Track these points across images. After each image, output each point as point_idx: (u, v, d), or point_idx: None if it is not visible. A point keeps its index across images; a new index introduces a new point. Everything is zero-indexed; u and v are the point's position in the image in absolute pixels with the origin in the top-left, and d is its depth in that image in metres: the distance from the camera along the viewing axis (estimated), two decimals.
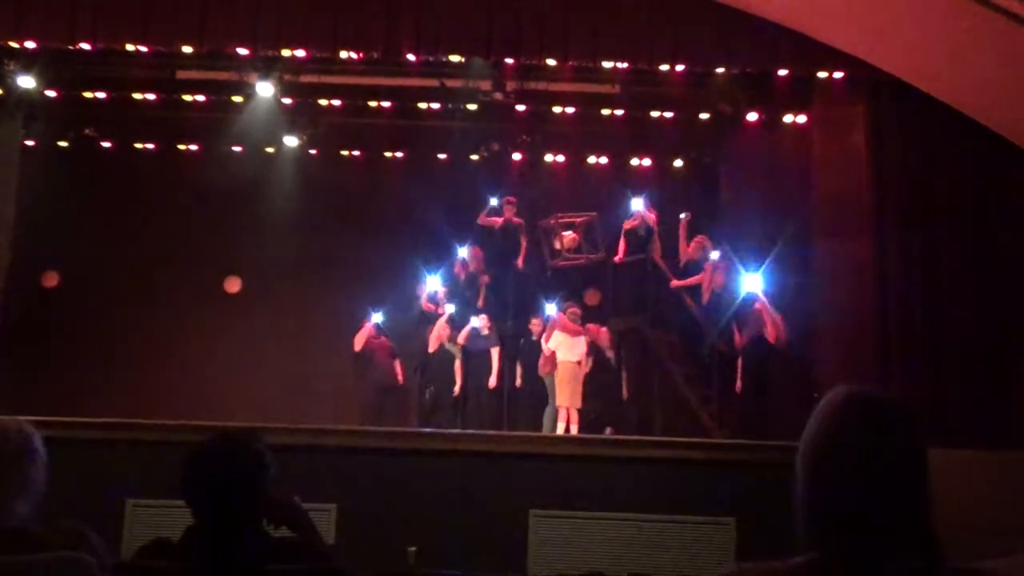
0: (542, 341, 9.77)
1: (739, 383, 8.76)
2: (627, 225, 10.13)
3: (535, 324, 10.11)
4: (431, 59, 9.62)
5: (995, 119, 8.95)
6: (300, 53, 9.58)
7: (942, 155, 9.26)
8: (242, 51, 9.52)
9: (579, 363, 9.70)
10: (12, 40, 9.40)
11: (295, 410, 10.37)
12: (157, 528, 4.76)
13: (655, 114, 11.46)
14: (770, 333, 8.66)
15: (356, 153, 12.71)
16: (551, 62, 9.41)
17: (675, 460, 5.82)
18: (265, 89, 10.67)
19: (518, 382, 10.06)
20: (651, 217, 10.12)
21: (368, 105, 11.49)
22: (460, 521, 5.19)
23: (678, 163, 12.64)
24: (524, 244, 10.83)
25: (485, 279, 10.66)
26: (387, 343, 10.63)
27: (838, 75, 9.48)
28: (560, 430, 9.29)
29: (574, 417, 9.49)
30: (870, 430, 1.62)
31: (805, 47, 9.11)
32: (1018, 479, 6.10)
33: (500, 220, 10.87)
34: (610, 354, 10.24)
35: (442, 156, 12.53)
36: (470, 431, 8.68)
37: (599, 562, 4.86)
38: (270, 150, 12.21)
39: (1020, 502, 5.63)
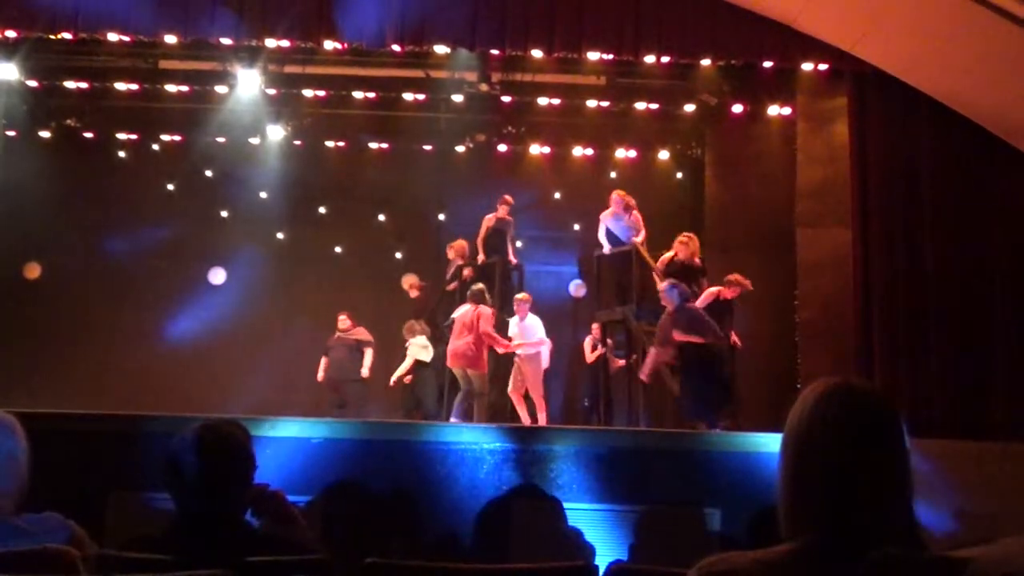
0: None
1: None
2: (607, 219, 10.07)
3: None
4: (416, 50, 9.58)
5: (978, 111, 9.00)
6: (284, 43, 9.53)
7: (925, 147, 9.31)
8: (225, 41, 9.47)
9: (538, 353, 9.63)
10: None
11: (280, 401, 10.36)
12: (140, 520, 4.75)
13: (640, 105, 11.46)
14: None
15: (341, 144, 12.65)
16: (536, 53, 9.39)
17: (660, 450, 5.84)
18: (249, 79, 10.62)
19: None
20: (636, 217, 10.08)
21: (353, 96, 11.44)
22: (444, 511, 5.19)
23: (663, 154, 12.65)
24: (510, 241, 10.83)
25: (468, 272, 10.66)
26: (349, 338, 10.68)
27: (822, 67, 9.51)
28: (526, 420, 9.31)
29: (540, 405, 9.52)
30: (851, 420, 1.63)
31: (790, 39, 9.13)
32: (996, 469, 6.15)
33: (493, 218, 10.80)
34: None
35: (427, 147, 12.51)
36: (453, 422, 8.69)
37: (582, 552, 4.87)
38: (254, 141, 12.14)
39: (997, 491, 5.68)
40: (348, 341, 10.67)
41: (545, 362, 9.80)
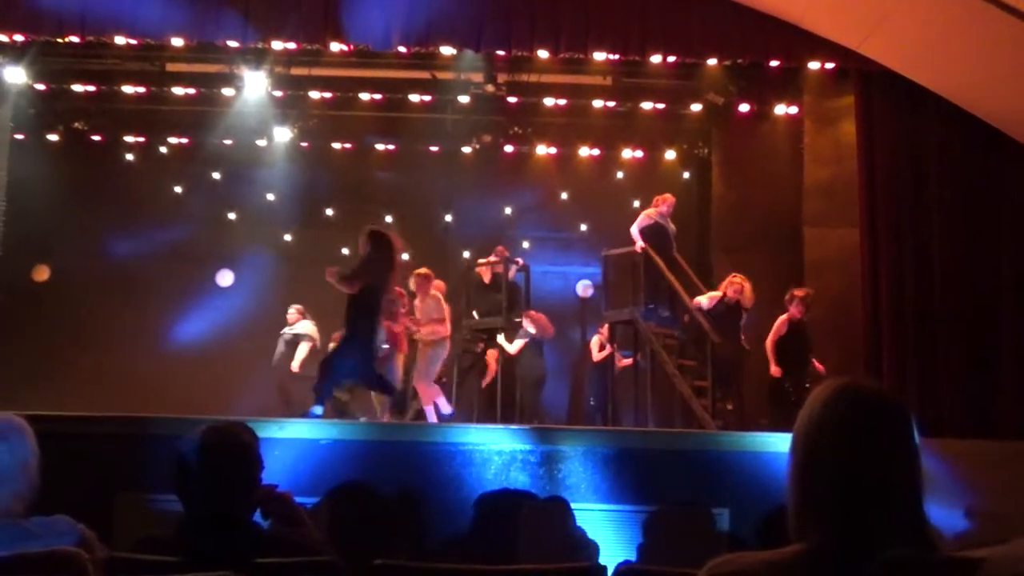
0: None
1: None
2: (654, 216, 9.87)
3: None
4: (422, 51, 9.58)
5: (986, 108, 8.97)
6: (290, 45, 9.55)
7: (932, 145, 9.28)
8: (232, 43, 9.49)
9: (444, 340, 8.84)
10: None
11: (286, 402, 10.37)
12: (148, 522, 4.75)
13: (646, 105, 11.45)
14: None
15: (347, 145, 12.67)
16: (542, 54, 9.38)
17: (669, 451, 5.82)
18: (255, 81, 10.64)
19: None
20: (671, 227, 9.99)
21: (359, 97, 11.45)
22: (451, 512, 5.19)
23: (670, 154, 12.63)
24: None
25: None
26: (288, 332, 10.62)
27: (829, 66, 9.50)
28: (431, 416, 8.69)
29: (424, 397, 8.70)
30: (860, 420, 1.62)
31: (796, 38, 9.11)
32: (1008, 468, 6.12)
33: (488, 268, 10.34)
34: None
35: (434, 148, 12.51)
36: (462, 424, 8.68)
37: (586, 549, 4.86)
38: (261, 143, 12.16)
39: (1010, 491, 5.65)
40: (287, 335, 10.65)
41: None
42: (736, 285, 9.09)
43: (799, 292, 8.85)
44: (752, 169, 10.91)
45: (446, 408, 8.77)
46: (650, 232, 9.76)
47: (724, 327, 8.90)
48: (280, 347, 10.68)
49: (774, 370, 8.72)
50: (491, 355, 10.36)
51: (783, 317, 8.83)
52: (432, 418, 8.61)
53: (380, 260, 7.55)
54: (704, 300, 9.14)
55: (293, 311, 10.77)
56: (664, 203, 9.89)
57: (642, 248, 9.60)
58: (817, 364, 8.83)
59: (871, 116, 9.42)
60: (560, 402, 11.82)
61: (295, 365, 10.45)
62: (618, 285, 10.34)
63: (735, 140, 11.18)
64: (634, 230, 9.76)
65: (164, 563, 2.48)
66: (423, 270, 9.03)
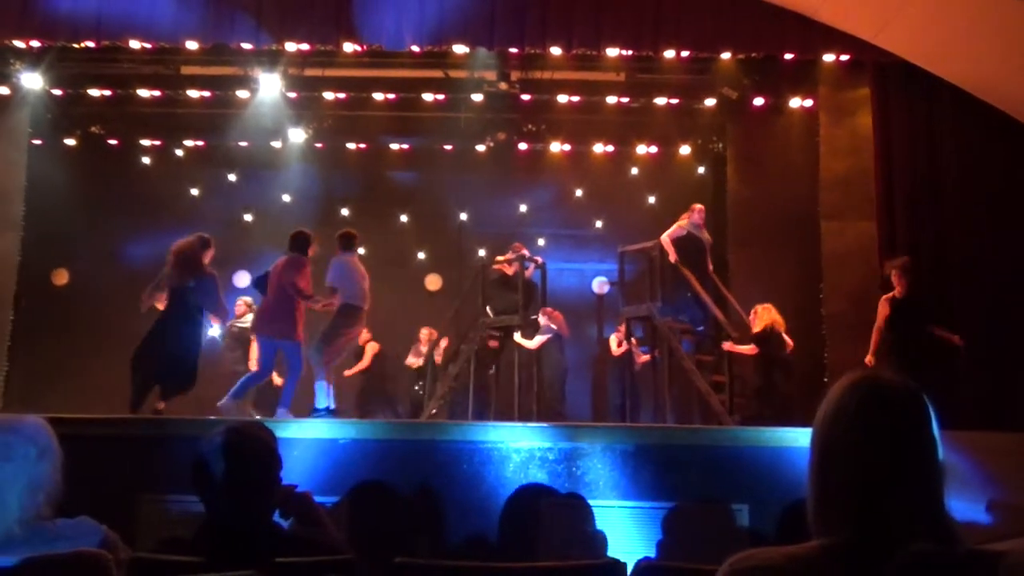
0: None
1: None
2: (687, 227, 9.69)
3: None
4: (435, 50, 9.59)
5: (1003, 98, 8.90)
6: (304, 47, 9.58)
7: (949, 136, 9.22)
8: (246, 46, 9.53)
9: (354, 312, 8.29)
10: (16, 39, 9.42)
11: (302, 403, 10.38)
12: (169, 523, 4.78)
13: (660, 100, 11.42)
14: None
15: (362, 145, 12.70)
16: (555, 51, 9.37)
17: (687, 446, 5.82)
18: (269, 83, 10.69)
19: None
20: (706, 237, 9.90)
21: (373, 97, 11.48)
22: (471, 510, 5.20)
23: (684, 149, 12.59)
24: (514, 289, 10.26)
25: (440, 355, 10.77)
26: (235, 326, 10.30)
27: (844, 58, 9.45)
28: (320, 391, 8.32)
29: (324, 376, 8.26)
30: (878, 413, 1.61)
31: (810, 30, 9.07)
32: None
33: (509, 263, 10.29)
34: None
35: (448, 147, 12.52)
36: (481, 422, 8.69)
37: (611, 550, 4.86)
38: (276, 144, 12.21)
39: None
40: (233, 329, 10.24)
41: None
42: (756, 315, 8.94)
43: (895, 263, 8.18)
44: (767, 163, 10.86)
45: (324, 400, 8.22)
46: (682, 243, 9.61)
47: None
48: (226, 341, 10.19)
49: (867, 359, 8.18)
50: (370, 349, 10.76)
51: (885, 297, 8.28)
52: (320, 392, 8.20)
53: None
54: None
55: (240, 303, 10.37)
56: (696, 212, 9.77)
57: (674, 260, 9.44)
58: (952, 338, 8.02)
59: (887, 108, 9.38)
60: (581, 399, 11.79)
61: (254, 364, 9.83)
62: (634, 281, 10.32)
63: (750, 134, 11.13)
64: (665, 239, 9.59)
65: (186, 563, 2.49)
66: (345, 230, 8.58)
